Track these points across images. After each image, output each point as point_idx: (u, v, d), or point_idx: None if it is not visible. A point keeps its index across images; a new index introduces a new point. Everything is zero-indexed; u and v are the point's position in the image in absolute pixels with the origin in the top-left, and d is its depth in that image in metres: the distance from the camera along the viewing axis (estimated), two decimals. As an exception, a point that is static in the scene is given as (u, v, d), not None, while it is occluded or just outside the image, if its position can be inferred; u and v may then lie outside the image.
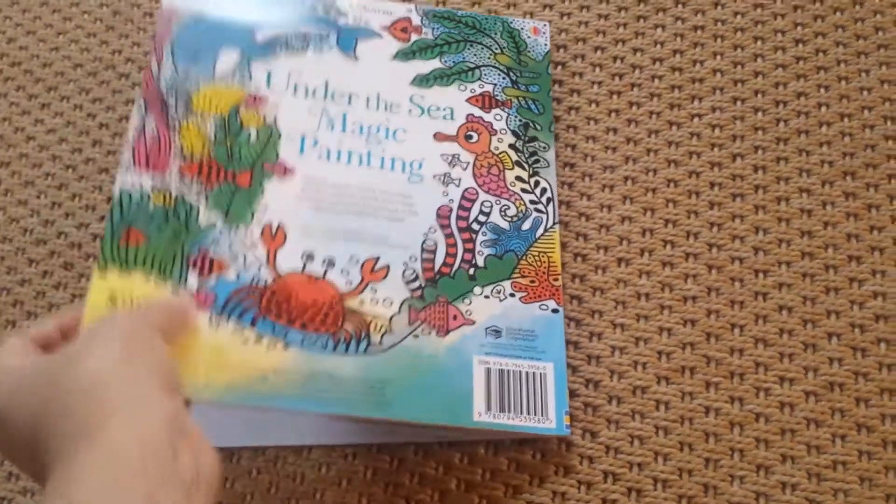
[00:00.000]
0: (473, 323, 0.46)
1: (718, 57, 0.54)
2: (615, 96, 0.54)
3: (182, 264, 0.45)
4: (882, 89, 0.52)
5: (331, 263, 0.46)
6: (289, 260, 0.46)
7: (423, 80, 0.52)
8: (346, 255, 0.47)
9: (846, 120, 0.51)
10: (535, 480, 0.46)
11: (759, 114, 0.52)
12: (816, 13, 0.54)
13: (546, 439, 0.46)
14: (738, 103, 0.53)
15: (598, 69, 0.55)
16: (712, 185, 0.51)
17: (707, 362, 0.47)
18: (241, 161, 0.48)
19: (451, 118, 0.51)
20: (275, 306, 0.45)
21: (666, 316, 0.48)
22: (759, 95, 0.53)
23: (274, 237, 0.46)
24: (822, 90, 0.52)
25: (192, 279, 0.44)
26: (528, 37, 0.54)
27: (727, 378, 0.46)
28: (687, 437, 0.45)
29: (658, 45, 0.55)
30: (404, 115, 0.51)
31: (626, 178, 0.52)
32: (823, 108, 0.52)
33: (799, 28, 0.54)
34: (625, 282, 0.49)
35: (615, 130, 0.53)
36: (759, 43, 0.54)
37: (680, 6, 0.56)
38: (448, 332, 0.46)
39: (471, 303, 0.47)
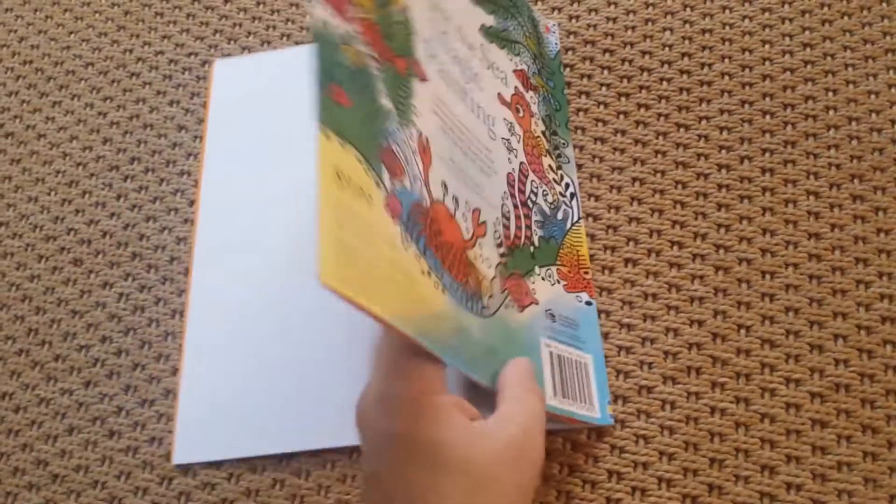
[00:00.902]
0: (538, 303, 0.44)
1: (727, 60, 0.54)
2: (624, 98, 0.54)
3: (377, 154, 0.34)
4: (890, 93, 0.52)
5: (456, 202, 0.39)
6: (435, 185, 0.38)
7: (487, 32, 0.47)
8: (463, 197, 0.40)
9: (854, 123, 0.51)
10: (541, 479, 0.46)
11: (768, 117, 0.52)
12: (824, 17, 0.54)
13: (552, 439, 0.46)
14: (747, 106, 0.53)
15: (606, 71, 0.55)
16: (720, 186, 0.51)
17: (713, 363, 0.47)
18: (394, 41, 0.38)
19: (506, 84, 0.48)
20: (434, 237, 0.36)
21: (673, 316, 0.48)
22: (768, 98, 0.53)
23: (425, 151, 0.38)
24: (830, 94, 0.52)
25: (385, 178, 0.34)
26: (542, 32, 0.54)
27: (733, 378, 0.46)
28: (692, 437, 0.45)
29: (667, 48, 0.55)
30: (478, 62, 0.45)
31: (634, 180, 0.52)
32: (831, 112, 0.52)
33: (807, 32, 0.54)
34: (632, 282, 0.49)
35: (623, 132, 0.53)
36: (767, 46, 0.54)
37: (688, 10, 0.56)
38: (524, 307, 0.43)
39: (534, 282, 0.45)
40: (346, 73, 0.34)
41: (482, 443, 0.35)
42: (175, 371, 0.51)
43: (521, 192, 0.46)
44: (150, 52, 0.62)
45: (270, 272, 0.52)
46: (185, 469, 0.49)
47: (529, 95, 0.50)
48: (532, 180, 0.47)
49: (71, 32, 0.63)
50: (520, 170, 0.47)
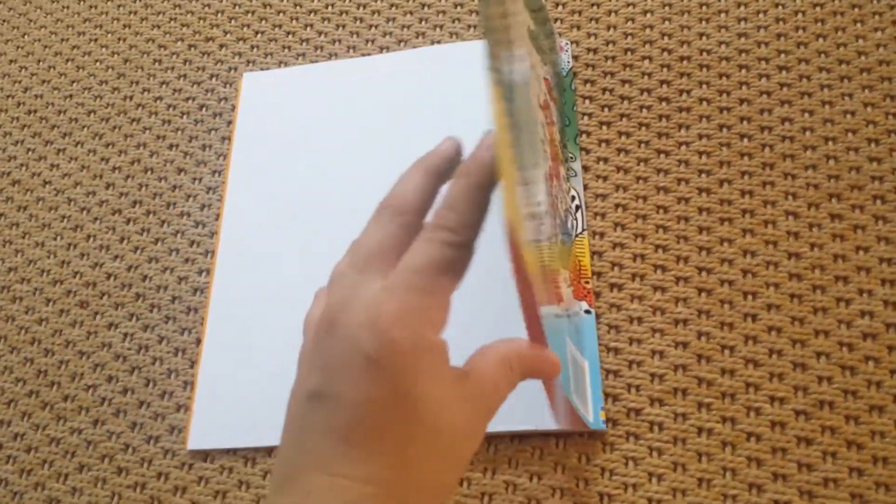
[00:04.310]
0: (563, 301, 0.44)
1: (704, 86, 0.55)
2: (605, 127, 0.56)
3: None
4: (865, 112, 0.53)
5: None
6: None
7: (530, 35, 0.46)
8: None
9: (831, 143, 0.53)
10: (533, 502, 0.47)
11: (745, 140, 0.53)
12: (799, 40, 0.56)
13: (544, 454, 0.47)
14: (725, 130, 0.54)
15: (587, 101, 0.57)
16: (701, 210, 0.52)
17: (699, 383, 0.48)
18: None
19: (541, 88, 0.46)
20: None
21: (658, 339, 0.49)
22: (745, 122, 0.54)
23: None
24: (807, 115, 0.54)
25: None
26: (557, 49, 0.55)
27: (719, 398, 0.47)
28: (680, 458, 0.47)
29: (646, 77, 0.56)
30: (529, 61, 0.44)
31: (616, 206, 0.53)
32: (808, 133, 0.53)
33: (782, 55, 0.55)
34: (617, 306, 0.50)
35: (606, 160, 0.54)
36: (743, 71, 0.55)
37: (666, 38, 0.57)
38: (558, 302, 0.43)
39: (561, 280, 0.44)
40: None
41: (461, 408, 0.33)
42: (179, 408, 0.53)
43: (551, 193, 0.47)
44: (149, 98, 0.64)
45: (289, 275, 0.55)
46: (205, 455, 0.51)
47: (552, 105, 0.51)
48: (555, 184, 0.48)
49: (73, 81, 0.66)
50: (549, 171, 0.47)
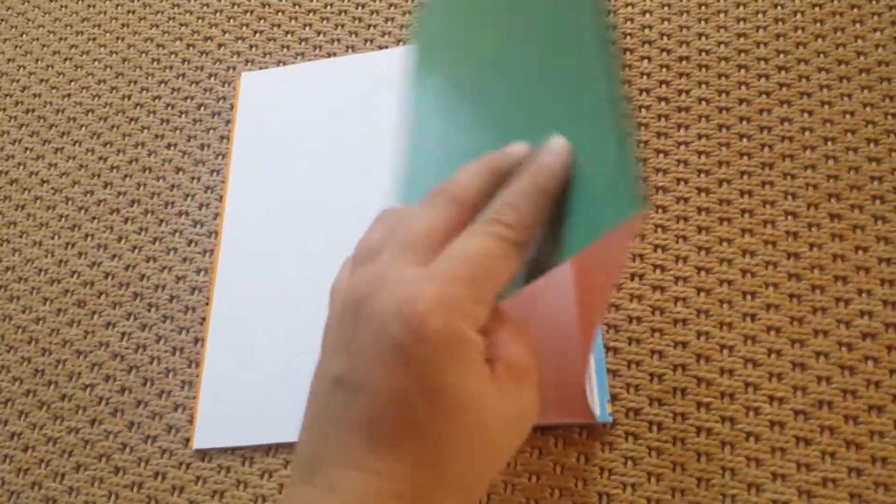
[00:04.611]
0: None
1: (703, 86, 0.55)
2: (604, 126, 0.55)
3: None
4: (865, 112, 0.53)
5: None
6: None
7: None
8: None
9: (830, 143, 0.53)
10: (532, 502, 0.47)
11: (745, 140, 0.53)
12: (798, 40, 0.56)
13: (543, 452, 0.47)
14: (724, 130, 0.54)
15: (587, 101, 0.57)
16: (700, 209, 0.52)
17: (698, 383, 0.48)
18: None
19: None
20: None
21: (657, 339, 0.49)
22: (744, 122, 0.54)
23: None
24: (806, 115, 0.54)
25: None
26: None
27: (718, 398, 0.47)
28: (679, 458, 0.46)
29: (644, 77, 0.56)
30: None
31: (616, 206, 0.53)
32: (807, 133, 0.53)
33: (781, 56, 0.55)
34: (616, 306, 0.50)
35: (605, 159, 0.54)
36: (742, 71, 0.55)
37: (665, 38, 0.57)
38: None
39: None
40: None
41: (501, 404, 0.31)
42: (177, 407, 0.53)
43: None
44: (147, 97, 0.64)
45: (291, 275, 0.55)
46: (203, 455, 0.51)
47: None
48: None
49: (71, 80, 0.66)
50: None
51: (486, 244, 0.31)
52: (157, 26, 0.66)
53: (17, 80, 0.66)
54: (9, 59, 0.68)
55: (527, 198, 0.32)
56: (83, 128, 0.63)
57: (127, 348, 0.55)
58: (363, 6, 0.64)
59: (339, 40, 0.63)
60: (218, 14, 0.66)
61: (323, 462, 0.30)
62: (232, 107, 0.62)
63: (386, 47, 0.62)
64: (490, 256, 0.30)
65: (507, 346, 0.32)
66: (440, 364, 0.29)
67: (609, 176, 0.30)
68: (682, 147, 0.54)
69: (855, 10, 0.56)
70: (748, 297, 0.49)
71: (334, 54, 0.62)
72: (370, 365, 0.30)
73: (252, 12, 0.66)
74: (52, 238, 0.60)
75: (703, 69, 0.56)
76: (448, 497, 0.31)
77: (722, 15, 0.57)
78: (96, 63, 0.66)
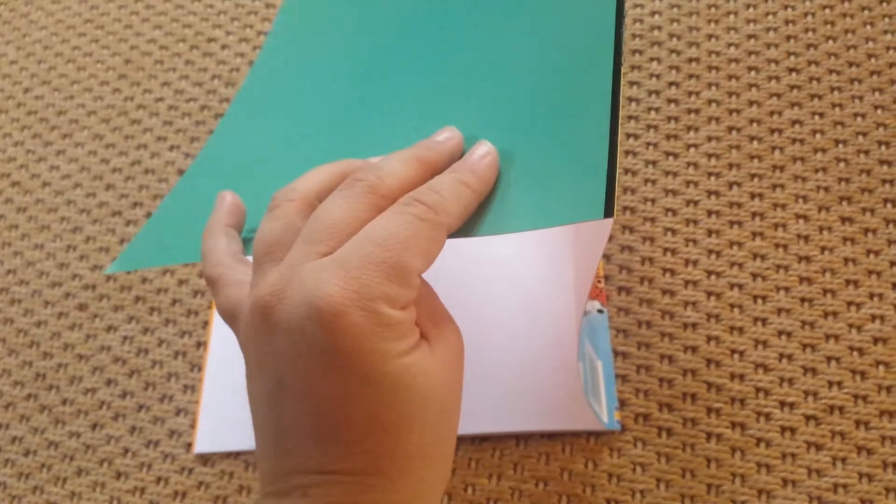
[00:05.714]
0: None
1: (714, 88, 0.55)
2: (612, 128, 0.55)
3: None
4: (876, 115, 0.52)
5: None
6: None
7: None
8: None
9: (841, 146, 0.52)
10: (540, 509, 0.46)
11: (755, 142, 0.53)
12: (809, 42, 0.55)
13: (551, 458, 0.46)
14: (734, 132, 0.53)
15: (595, 102, 0.56)
16: (710, 213, 0.51)
17: (708, 388, 0.47)
18: None
19: None
20: None
21: (667, 343, 0.49)
22: (755, 124, 0.53)
23: None
24: (817, 117, 0.53)
25: None
26: None
27: (728, 404, 0.47)
28: (689, 464, 0.46)
29: (654, 78, 0.56)
30: None
31: (624, 209, 0.52)
32: (818, 135, 0.52)
33: (792, 57, 0.55)
34: (626, 310, 0.50)
35: (613, 162, 0.54)
36: (753, 73, 0.55)
37: (675, 39, 0.57)
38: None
39: None
40: None
41: (439, 376, 0.30)
42: (179, 412, 0.52)
43: None
44: (150, 98, 0.63)
45: None
46: (205, 459, 0.50)
47: None
48: None
49: (73, 82, 0.65)
50: None
51: (402, 224, 0.28)
52: (160, 28, 0.66)
53: (20, 82, 0.66)
54: (11, 61, 0.67)
55: (452, 189, 0.30)
56: (85, 130, 0.63)
57: (128, 352, 0.54)
58: (368, 7, 0.63)
59: (343, 42, 0.62)
60: (221, 15, 0.66)
61: (288, 473, 0.29)
62: (236, 108, 0.61)
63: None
64: (406, 237, 0.28)
65: (432, 308, 0.31)
66: (368, 353, 0.27)
67: (577, 173, 0.29)
68: (692, 149, 0.53)
69: (866, 12, 0.55)
70: (759, 300, 0.49)
71: (339, 56, 0.62)
72: (297, 373, 0.28)
73: (255, 13, 0.65)
74: (54, 241, 0.59)
75: (714, 71, 0.55)
76: (422, 473, 0.30)
77: (732, 16, 0.57)
78: (99, 65, 0.65)
